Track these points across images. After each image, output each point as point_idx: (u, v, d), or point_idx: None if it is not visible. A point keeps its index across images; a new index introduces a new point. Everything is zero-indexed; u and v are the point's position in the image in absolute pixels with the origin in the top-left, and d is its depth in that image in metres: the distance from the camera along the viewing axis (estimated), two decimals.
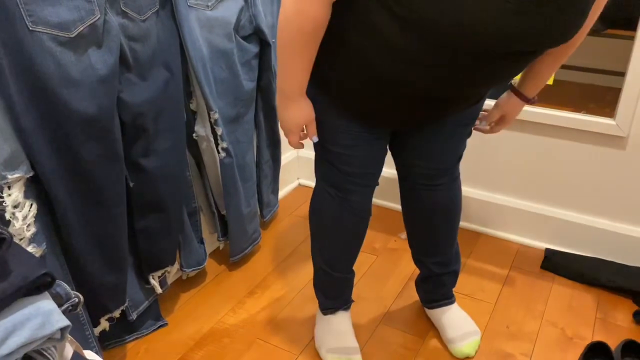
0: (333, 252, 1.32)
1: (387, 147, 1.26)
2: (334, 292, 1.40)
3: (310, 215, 1.33)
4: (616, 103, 1.57)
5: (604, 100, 1.60)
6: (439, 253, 1.39)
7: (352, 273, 1.39)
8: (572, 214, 1.76)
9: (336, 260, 1.33)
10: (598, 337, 1.47)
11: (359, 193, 1.24)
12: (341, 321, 1.41)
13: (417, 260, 1.45)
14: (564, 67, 1.62)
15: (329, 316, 1.42)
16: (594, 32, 1.58)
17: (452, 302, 1.46)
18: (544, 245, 1.82)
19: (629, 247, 1.69)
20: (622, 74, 1.54)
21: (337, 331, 1.40)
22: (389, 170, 1.73)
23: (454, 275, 1.44)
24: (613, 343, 1.44)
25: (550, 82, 1.62)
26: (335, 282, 1.37)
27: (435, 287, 1.45)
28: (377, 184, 1.27)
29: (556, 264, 1.73)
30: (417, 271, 1.69)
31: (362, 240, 1.33)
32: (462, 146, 1.27)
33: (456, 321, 1.44)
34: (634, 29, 1.47)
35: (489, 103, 1.33)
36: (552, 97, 1.66)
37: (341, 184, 1.22)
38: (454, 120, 1.20)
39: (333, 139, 1.16)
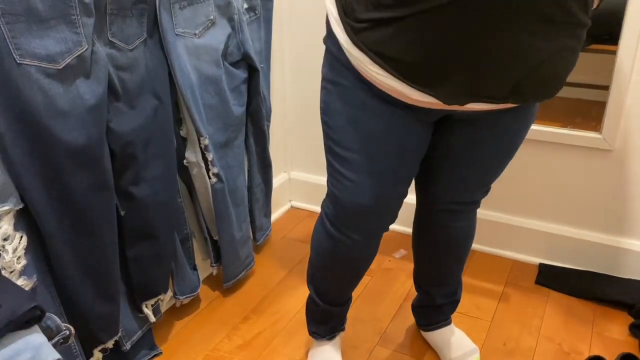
0: (324, 284, 1.29)
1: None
2: (318, 319, 1.37)
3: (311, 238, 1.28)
4: (602, 117, 1.59)
5: (589, 114, 1.62)
6: (446, 284, 1.38)
7: (343, 305, 1.34)
8: (564, 228, 1.77)
9: (326, 292, 1.30)
10: (595, 351, 1.46)
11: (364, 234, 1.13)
12: (325, 349, 1.40)
13: (422, 289, 1.42)
14: None
15: (313, 339, 1.41)
16: None
17: (449, 323, 1.46)
18: (538, 260, 1.82)
19: (622, 259, 1.70)
20: (606, 88, 1.56)
21: (322, 358, 1.39)
22: None
23: (456, 303, 1.43)
24: (610, 357, 1.43)
25: None
26: (319, 312, 1.34)
27: (435, 314, 1.44)
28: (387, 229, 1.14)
29: (550, 278, 1.73)
30: (413, 290, 1.68)
31: (360, 278, 1.27)
32: (501, 168, 1.13)
33: (455, 341, 1.43)
34: (616, 43, 1.50)
35: None
36: (538, 112, 1.67)
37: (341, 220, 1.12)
38: (507, 125, 1.06)
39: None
